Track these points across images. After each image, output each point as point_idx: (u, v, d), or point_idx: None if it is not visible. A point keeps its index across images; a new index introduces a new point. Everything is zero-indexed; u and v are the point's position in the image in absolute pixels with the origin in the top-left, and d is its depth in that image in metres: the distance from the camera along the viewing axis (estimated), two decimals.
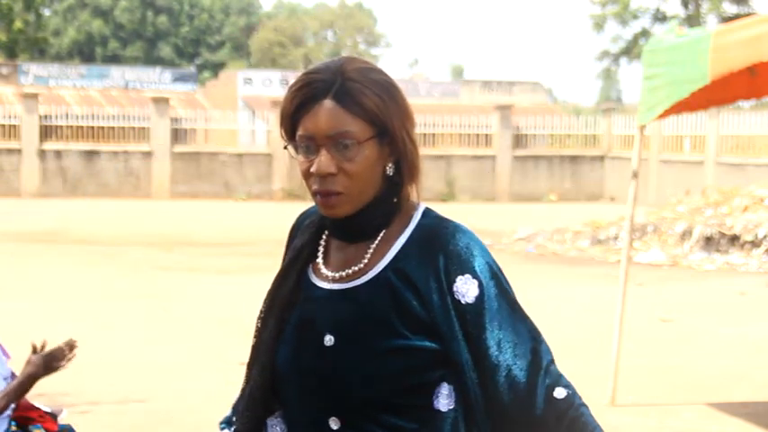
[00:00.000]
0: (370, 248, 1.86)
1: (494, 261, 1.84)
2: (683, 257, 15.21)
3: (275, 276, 1.97)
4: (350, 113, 1.80)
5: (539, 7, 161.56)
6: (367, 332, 1.81)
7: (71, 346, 3.74)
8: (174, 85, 38.70)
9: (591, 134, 32.18)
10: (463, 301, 1.80)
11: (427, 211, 1.88)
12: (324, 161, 1.80)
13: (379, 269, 1.84)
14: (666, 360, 8.29)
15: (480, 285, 1.81)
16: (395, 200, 1.85)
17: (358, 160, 1.80)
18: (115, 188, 28.41)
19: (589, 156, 31.52)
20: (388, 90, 1.83)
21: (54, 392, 6.25)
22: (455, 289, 1.80)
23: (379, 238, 1.87)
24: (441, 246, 1.82)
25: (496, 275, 1.83)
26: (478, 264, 1.82)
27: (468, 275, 1.80)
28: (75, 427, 3.96)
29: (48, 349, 3.73)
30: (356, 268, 1.86)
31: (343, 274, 1.87)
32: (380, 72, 1.84)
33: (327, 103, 1.80)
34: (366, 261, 1.86)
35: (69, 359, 3.74)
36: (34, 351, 3.73)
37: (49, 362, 3.69)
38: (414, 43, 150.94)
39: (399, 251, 1.84)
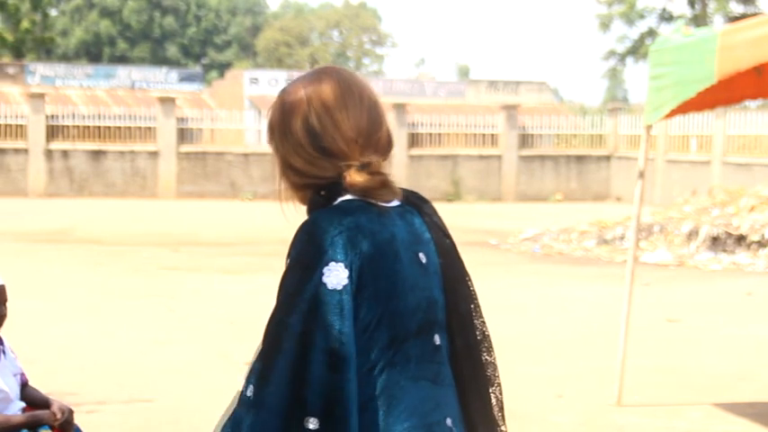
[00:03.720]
0: None
1: (305, 253, 1.95)
2: (690, 257, 15.19)
3: None
4: None
5: (545, 7, 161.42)
6: None
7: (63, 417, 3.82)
8: (181, 84, 38.74)
9: (597, 134, 32.16)
10: None
11: (337, 204, 2.04)
12: None
13: None
14: (673, 360, 8.28)
15: None
16: (322, 192, 2.06)
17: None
18: (122, 188, 28.46)
19: (595, 155, 31.50)
20: (275, 105, 2.13)
21: (61, 392, 6.27)
22: None
23: None
24: None
25: (286, 271, 1.97)
26: (291, 253, 1.99)
27: None
28: (81, 427, 3.97)
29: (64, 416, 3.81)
30: None
31: None
32: (288, 90, 2.11)
33: None
34: None
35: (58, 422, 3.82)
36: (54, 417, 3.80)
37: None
38: (420, 43, 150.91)
39: None
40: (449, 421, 2.07)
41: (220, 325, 9.50)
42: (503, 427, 2.21)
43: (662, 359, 8.29)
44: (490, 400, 2.20)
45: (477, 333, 2.19)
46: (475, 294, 2.20)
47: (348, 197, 2.03)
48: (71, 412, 3.84)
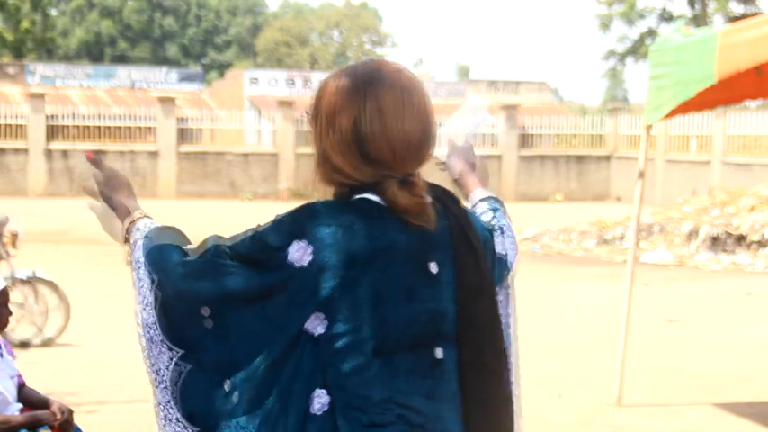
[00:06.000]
0: None
1: (290, 223, 1.91)
2: (690, 257, 15.19)
3: None
4: None
5: (545, 7, 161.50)
6: None
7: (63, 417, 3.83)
8: (181, 84, 38.73)
9: (597, 134, 32.16)
10: None
11: (352, 200, 1.97)
12: None
13: None
14: (672, 360, 8.28)
15: None
16: (350, 192, 1.99)
17: None
18: None
19: (595, 155, 31.50)
20: (328, 87, 2.00)
21: (61, 392, 6.27)
22: None
23: None
24: None
25: (272, 222, 1.95)
26: (285, 215, 1.95)
27: None
28: (81, 427, 3.97)
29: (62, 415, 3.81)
30: None
31: None
32: (344, 81, 1.98)
33: None
34: None
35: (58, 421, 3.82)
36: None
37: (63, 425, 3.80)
38: (419, 43, 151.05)
39: None
40: None
41: None
42: None
43: (662, 359, 8.29)
44: (501, 418, 2.07)
45: (497, 348, 2.07)
46: (497, 306, 2.09)
47: (367, 196, 1.95)
48: (71, 412, 3.84)
